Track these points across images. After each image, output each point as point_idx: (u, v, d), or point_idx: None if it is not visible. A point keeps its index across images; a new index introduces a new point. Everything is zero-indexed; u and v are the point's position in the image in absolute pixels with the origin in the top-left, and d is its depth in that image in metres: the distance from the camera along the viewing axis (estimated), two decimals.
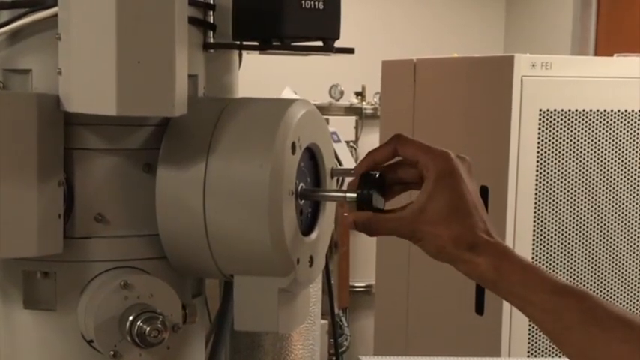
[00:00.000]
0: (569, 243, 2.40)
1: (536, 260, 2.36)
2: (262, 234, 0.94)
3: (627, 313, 0.93)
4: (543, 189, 2.36)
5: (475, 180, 1.00)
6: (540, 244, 2.37)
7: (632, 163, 2.42)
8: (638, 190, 2.43)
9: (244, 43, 1.09)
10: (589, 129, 2.38)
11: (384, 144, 1.01)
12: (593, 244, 2.42)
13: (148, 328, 0.93)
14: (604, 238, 2.43)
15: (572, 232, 2.40)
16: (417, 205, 0.97)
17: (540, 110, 2.34)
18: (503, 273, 0.95)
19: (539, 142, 2.34)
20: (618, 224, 2.43)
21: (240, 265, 0.98)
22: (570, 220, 2.39)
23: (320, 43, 1.07)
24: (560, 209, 2.38)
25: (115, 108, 0.88)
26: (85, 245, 0.98)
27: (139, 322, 0.94)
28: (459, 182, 0.97)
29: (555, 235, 2.38)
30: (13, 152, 0.90)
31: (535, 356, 2.37)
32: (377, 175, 1.00)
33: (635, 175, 2.43)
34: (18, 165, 0.91)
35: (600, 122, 2.39)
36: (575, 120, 2.36)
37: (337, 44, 1.08)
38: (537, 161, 2.35)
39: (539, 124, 2.34)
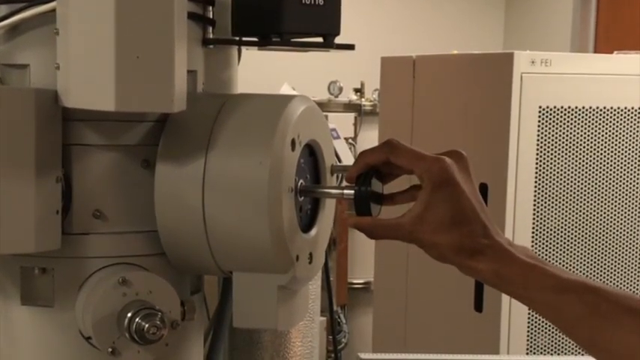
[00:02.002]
0: (568, 240, 2.40)
1: None
2: (262, 231, 0.93)
3: (633, 300, 0.93)
4: (543, 186, 2.35)
5: (473, 177, 0.99)
6: (540, 241, 2.37)
7: (632, 161, 2.42)
8: (637, 187, 2.43)
9: (244, 38, 1.08)
10: (588, 126, 2.37)
11: (377, 148, 1.00)
12: (592, 241, 2.42)
13: (147, 325, 0.93)
14: (603, 234, 2.42)
15: (572, 229, 2.39)
16: (414, 214, 0.97)
17: (540, 107, 2.34)
18: (503, 277, 0.96)
19: (538, 140, 2.34)
20: (617, 221, 2.43)
21: (240, 262, 0.97)
22: (570, 218, 2.38)
23: (320, 39, 1.07)
24: (559, 206, 2.37)
25: (113, 103, 0.88)
26: (83, 241, 0.98)
27: (137, 319, 0.93)
28: (456, 190, 0.96)
29: (555, 232, 2.38)
30: (11, 148, 0.90)
31: (534, 354, 2.37)
32: (373, 171, 1.00)
33: (634, 172, 2.42)
34: (16, 161, 0.90)
35: (600, 119, 2.38)
36: (575, 117, 2.36)
37: (336, 41, 1.08)
38: (537, 158, 2.34)
39: (539, 121, 2.34)
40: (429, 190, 0.96)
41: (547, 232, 2.37)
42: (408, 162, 0.98)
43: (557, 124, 2.35)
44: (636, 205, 2.44)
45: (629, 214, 2.44)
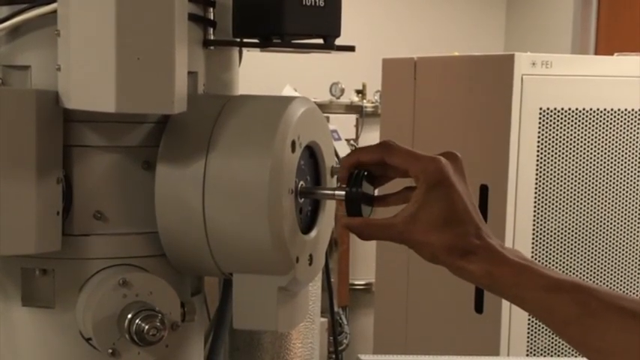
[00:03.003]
0: (568, 242, 2.40)
1: (536, 259, 2.36)
2: (262, 232, 0.93)
3: (624, 300, 0.93)
4: (543, 188, 2.35)
5: (467, 179, 0.99)
6: (540, 242, 2.37)
7: (632, 162, 2.42)
8: (637, 189, 2.43)
9: (245, 40, 1.08)
10: (589, 128, 2.37)
11: (372, 147, 1.00)
12: (592, 243, 2.42)
13: (147, 327, 0.93)
14: (604, 236, 2.42)
15: (572, 230, 2.39)
16: (407, 214, 0.97)
17: (540, 109, 2.34)
18: (496, 278, 0.95)
19: (539, 141, 2.34)
20: (618, 223, 2.43)
21: (240, 264, 0.97)
22: (570, 219, 2.39)
23: (321, 41, 1.07)
24: (559, 208, 2.37)
25: (114, 105, 0.88)
26: (83, 243, 0.98)
27: (137, 321, 0.93)
28: (450, 190, 0.96)
29: (555, 233, 2.38)
30: (12, 149, 0.90)
31: (534, 355, 2.37)
32: (365, 173, 0.99)
33: (634, 173, 2.42)
34: (16, 162, 0.90)
35: (600, 121, 2.38)
36: (576, 119, 2.36)
37: (337, 42, 1.08)
38: (537, 160, 2.34)
39: (540, 123, 2.34)
40: (424, 189, 0.96)
41: (547, 233, 2.37)
42: (403, 162, 0.98)
43: (557, 125, 2.35)
44: (636, 207, 2.44)
45: (629, 216, 2.44)
